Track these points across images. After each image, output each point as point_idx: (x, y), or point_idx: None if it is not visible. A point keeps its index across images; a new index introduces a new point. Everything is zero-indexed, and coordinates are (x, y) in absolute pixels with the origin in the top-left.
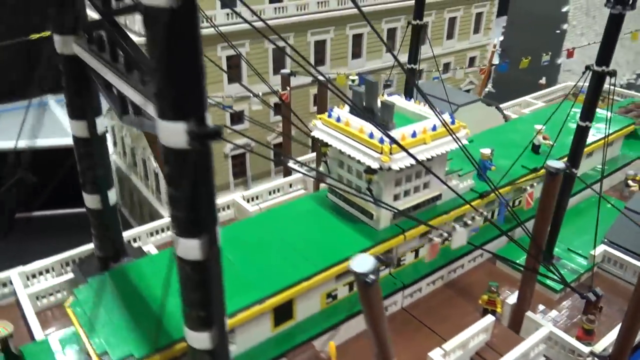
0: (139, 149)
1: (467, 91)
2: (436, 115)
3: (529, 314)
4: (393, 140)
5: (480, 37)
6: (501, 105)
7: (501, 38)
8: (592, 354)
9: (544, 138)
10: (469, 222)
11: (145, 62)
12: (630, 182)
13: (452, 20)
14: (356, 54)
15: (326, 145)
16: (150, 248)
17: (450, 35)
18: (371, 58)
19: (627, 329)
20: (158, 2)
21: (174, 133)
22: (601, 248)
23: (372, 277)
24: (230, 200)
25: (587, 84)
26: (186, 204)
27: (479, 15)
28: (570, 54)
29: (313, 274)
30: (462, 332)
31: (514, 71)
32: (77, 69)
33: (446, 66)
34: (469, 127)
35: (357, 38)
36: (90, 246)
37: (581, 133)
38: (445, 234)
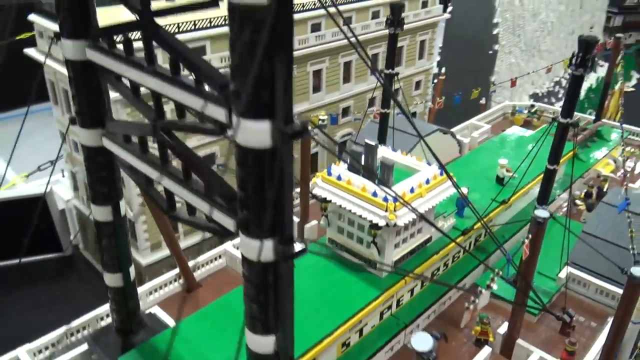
0: None
1: (414, 114)
2: (444, 171)
3: (519, 341)
4: (404, 203)
5: (425, 62)
6: (452, 130)
7: (438, 58)
8: None
9: (507, 170)
10: (493, 285)
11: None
12: (577, 201)
13: (400, 49)
14: (346, 79)
15: (327, 201)
16: (156, 310)
17: (399, 62)
18: (358, 82)
19: (607, 351)
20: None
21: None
22: (565, 270)
23: (433, 354)
24: (222, 250)
25: (521, 102)
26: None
27: (422, 42)
28: (513, 84)
29: (335, 329)
30: None
31: (454, 94)
32: (104, 160)
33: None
34: (431, 158)
35: (347, 65)
36: (90, 315)
37: (549, 175)
38: (477, 301)
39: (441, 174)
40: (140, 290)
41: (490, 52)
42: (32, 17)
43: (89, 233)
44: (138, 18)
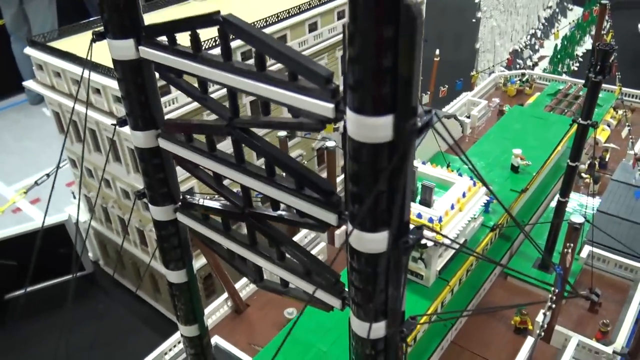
0: (127, 215)
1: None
2: (486, 187)
3: (558, 327)
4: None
5: None
6: (450, 109)
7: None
8: (614, 353)
9: (521, 159)
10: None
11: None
12: (583, 174)
13: None
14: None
15: None
16: (216, 340)
17: None
18: None
19: None
20: None
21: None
22: (586, 249)
23: None
24: None
25: (512, 72)
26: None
27: None
28: (510, 62)
29: None
30: (518, 357)
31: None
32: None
33: None
34: (439, 143)
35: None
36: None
37: (571, 172)
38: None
39: (474, 184)
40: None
41: (474, 20)
42: (28, 50)
43: (108, 250)
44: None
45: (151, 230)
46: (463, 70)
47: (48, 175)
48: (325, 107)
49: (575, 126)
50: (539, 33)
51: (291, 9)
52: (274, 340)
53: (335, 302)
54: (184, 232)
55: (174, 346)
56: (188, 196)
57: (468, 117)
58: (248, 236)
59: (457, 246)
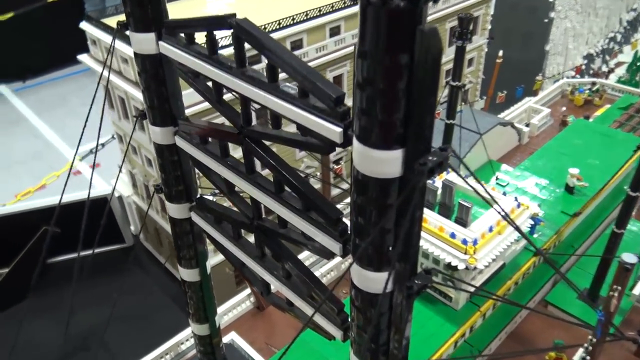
0: None
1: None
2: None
3: None
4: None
5: (478, 38)
6: (509, 115)
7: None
8: None
9: (578, 179)
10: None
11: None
12: None
13: (452, 29)
14: None
15: None
16: (233, 336)
17: (450, 43)
18: None
19: None
20: None
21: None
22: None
23: None
24: None
25: (582, 80)
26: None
27: (476, 19)
28: (578, 70)
29: None
30: None
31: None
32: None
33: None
34: (492, 150)
35: None
36: (171, 342)
37: (630, 202)
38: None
39: (518, 206)
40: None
41: (546, 20)
42: (84, 25)
43: (148, 225)
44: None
45: None
46: (528, 73)
47: (103, 144)
48: (332, 131)
49: None
50: (618, 37)
51: (309, 10)
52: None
53: (336, 332)
54: (199, 231)
55: (190, 338)
56: (205, 196)
57: (527, 125)
58: (256, 248)
59: (472, 289)
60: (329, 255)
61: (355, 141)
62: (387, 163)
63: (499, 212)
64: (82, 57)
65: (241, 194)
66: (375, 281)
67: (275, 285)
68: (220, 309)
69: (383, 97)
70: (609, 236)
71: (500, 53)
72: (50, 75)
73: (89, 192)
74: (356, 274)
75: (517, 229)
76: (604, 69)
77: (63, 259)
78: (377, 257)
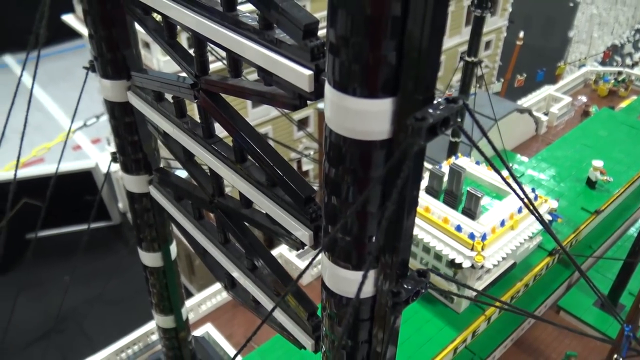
0: None
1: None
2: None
3: None
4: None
5: (497, 19)
6: (527, 102)
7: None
8: None
9: (601, 172)
10: None
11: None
12: None
13: (468, 7)
14: None
15: None
16: (208, 329)
17: (468, 22)
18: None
19: None
20: None
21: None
22: None
23: None
24: (277, 253)
25: (607, 68)
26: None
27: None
28: (606, 55)
29: None
30: None
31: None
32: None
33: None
34: (507, 139)
35: None
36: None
37: None
38: None
39: (535, 199)
40: (191, 302)
41: (572, 4)
42: None
43: None
44: None
45: None
46: (548, 60)
47: (97, 117)
48: (298, 73)
49: None
50: None
51: None
52: (271, 341)
53: (306, 341)
54: (161, 210)
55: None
56: (166, 168)
57: (546, 114)
58: (218, 231)
59: (473, 294)
60: (298, 245)
61: (327, 87)
62: (371, 117)
63: (522, 199)
64: (67, 18)
65: (203, 166)
66: (352, 282)
67: (237, 277)
68: (196, 299)
69: (368, 23)
70: (632, 238)
71: (521, 34)
72: (57, 47)
73: (58, 166)
74: (327, 271)
75: (541, 219)
76: (629, 61)
77: (44, 234)
78: (356, 250)
